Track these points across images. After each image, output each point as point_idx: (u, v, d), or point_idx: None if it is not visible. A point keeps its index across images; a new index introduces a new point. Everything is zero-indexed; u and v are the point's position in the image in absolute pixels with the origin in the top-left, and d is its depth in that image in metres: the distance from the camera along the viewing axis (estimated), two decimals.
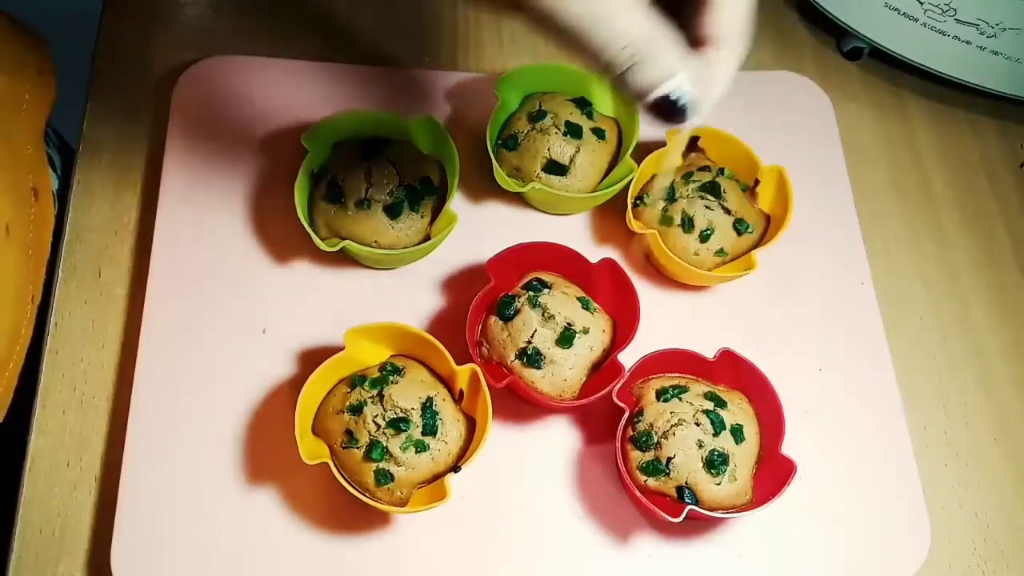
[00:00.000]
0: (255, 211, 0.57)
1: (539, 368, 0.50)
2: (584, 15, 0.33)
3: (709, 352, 0.51)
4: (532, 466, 0.51)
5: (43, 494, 0.50)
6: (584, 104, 0.57)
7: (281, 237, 0.56)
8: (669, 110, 0.36)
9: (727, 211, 0.55)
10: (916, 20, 0.61)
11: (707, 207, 0.55)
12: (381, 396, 0.48)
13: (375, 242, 0.53)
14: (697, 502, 0.47)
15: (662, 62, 0.34)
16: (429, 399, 0.48)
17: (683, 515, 0.46)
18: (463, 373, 0.49)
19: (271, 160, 0.58)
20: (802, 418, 0.53)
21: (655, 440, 0.48)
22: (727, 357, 0.50)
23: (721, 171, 0.57)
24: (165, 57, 0.63)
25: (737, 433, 0.49)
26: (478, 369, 0.48)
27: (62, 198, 0.59)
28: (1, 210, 0.51)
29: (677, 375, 0.52)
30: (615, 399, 0.49)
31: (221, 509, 0.49)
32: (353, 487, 0.47)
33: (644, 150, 0.59)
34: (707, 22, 0.36)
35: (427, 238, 0.54)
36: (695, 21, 0.36)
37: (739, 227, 0.55)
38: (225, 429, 0.51)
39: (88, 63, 0.63)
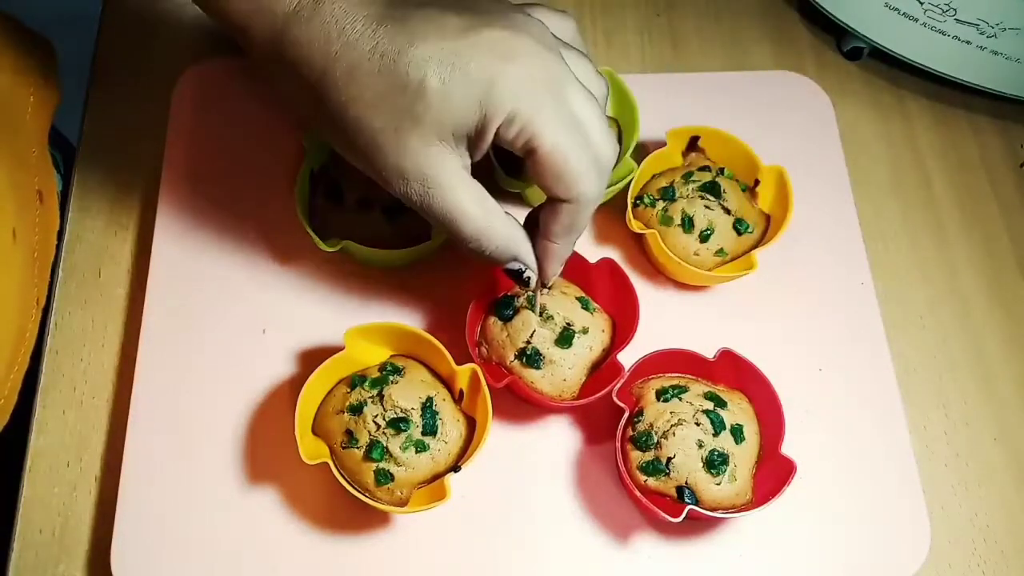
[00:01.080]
0: (255, 211, 0.57)
1: (538, 368, 0.50)
2: (471, 226, 0.42)
3: (709, 352, 0.51)
4: (532, 466, 0.51)
5: (43, 494, 0.50)
6: None
7: (281, 237, 0.56)
8: (515, 278, 0.46)
9: (727, 211, 0.55)
10: (916, 20, 0.61)
11: (707, 207, 0.55)
12: (381, 396, 0.48)
13: (375, 242, 0.53)
14: (697, 502, 0.47)
15: (518, 251, 0.45)
16: (429, 399, 0.48)
17: (683, 515, 0.46)
18: (463, 373, 0.49)
19: (271, 160, 0.58)
20: (802, 418, 0.53)
21: (655, 440, 0.48)
22: (727, 357, 0.50)
23: (721, 171, 0.57)
24: (165, 57, 0.63)
25: (737, 433, 0.49)
26: (478, 369, 0.48)
27: (63, 198, 0.59)
28: (6, 214, 0.51)
29: (677, 375, 0.52)
30: (615, 399, 0.49)
31: (221, 509, 0.49)
32: (353, 487, 0.47)
33: (644, 150, 0.59)
34: (547, 223, 0.44)
35: (427, 238, 0.54)
36: (542, 220, 0.44)
37: (739, 227, 0.55)
38: (225, 429, 0.51)
39: (88, 63, 0.63)
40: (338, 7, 0.40)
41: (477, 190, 0.43)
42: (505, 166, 0.55)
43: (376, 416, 0.47)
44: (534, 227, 0.45)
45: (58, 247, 0.57)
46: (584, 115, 0.41)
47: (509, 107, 0.40)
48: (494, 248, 0.44)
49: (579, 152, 0.41)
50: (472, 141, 0.41)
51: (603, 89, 0.45)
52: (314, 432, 0.49)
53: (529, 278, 0.46)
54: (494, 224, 0.43)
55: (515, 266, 0.45)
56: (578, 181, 0.41)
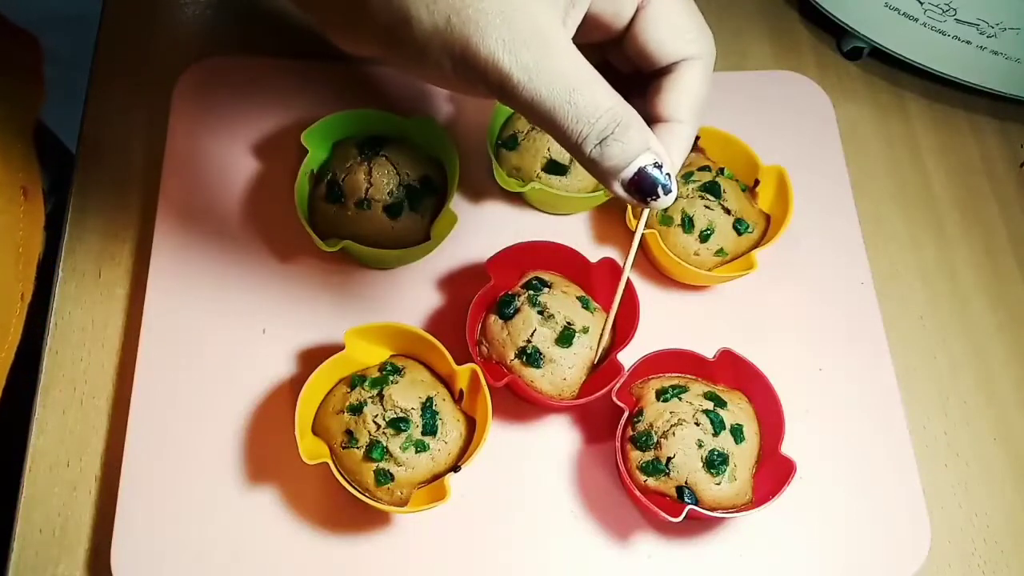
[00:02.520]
0: (255, 211, 0.57)
1: (539, 367, 0.50)
2: (556, 87, 0.32)
3: (709, 352, 0.51)
4: (532, 466, 0.51)
5: (43, 494, 0.50)
6: None
7: (281, 237, 0.56)
8: (648, 186, 0.34)
9: (727, 211, 0.55)
10: (916, 20, 0.61)
11: (707, 207, 0.55)
12: (381, 396, 0.48)
13: (375, 242, 0.53)
14: (697, 502, 0.47)
15: (635, 135, 0.34)
16: (429, 399, 0.48)
17: (683, 515, 0.46)
18: (463, 373, 0.49)
19: (271, 160, 0.58)
20: (802, 418, 0.53)
21: (655, 440, 0.48)
22: (727, 357, 0.50)
23: (721, 171, 0.57)
24: (165, 57, 0.63)
25: (737, 433, 0.49)
26: (478, 369, 0.48)
27: (61, 198, 0.59)
28: None
29: (677, 375, 0.52)
30: (614, 399, 0.49)
31: (221, 509, 0.49)
32: (353, 487, 0.47)
33: None
34: (669, 102, 0.36)
35: (427, 238, 0.54)
36: (655, 100, 0.36)
37: (739, 227, 0.55)
38: (225, 429, 0.51)
39: (88, 63, 0.63)
40: None
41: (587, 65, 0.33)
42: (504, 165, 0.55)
43: (376, 416, 0.47)
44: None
45: (58, 247, 0.57)
46: None
47: None
48: (630, 137, 0.33)
49: (691, 4, 0.35)
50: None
51: None
52: (314, 432, 0.49)
53: (659, 182, 0.34)
54: (624, 104, 0.33)
55: (650, 160, 0.34)
56: (706, 30, 0.35)
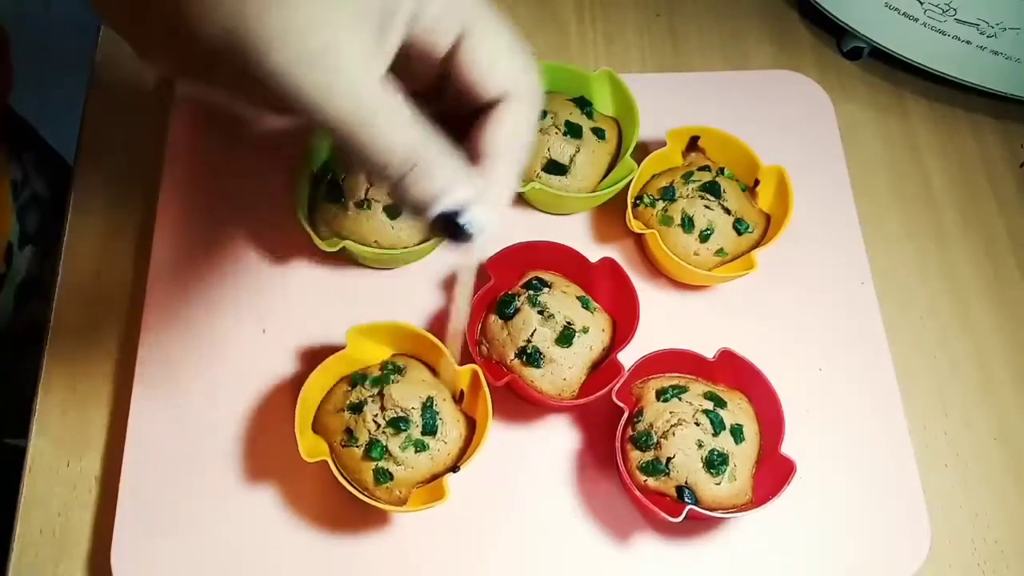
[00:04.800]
0: (255, 211, 0.57)
1: (539, 367, 0.50)
2: (351, 116, 0.31)
3: (709, 352, 0.51)
4: (532, 466, 0.51)
5: (43, 494, 0.50)
6: (584, 104, 0.57)
7: (281, 237, 0.56)
8: (453, 228, 0.33)
9: (727, 211, 0.55)
10: (916, 20, 0.61)
11: (707, 207, 0.55)
12: (381, 395, 0.48)
13: (375, 242, 0.53)
14: (697, 502, 0.47)
15: (439, 173, 0.32)
16: (429, 399, 0.48)
17: (683, 515, 0.46)
18: (464, 373, 0.49)
19: (271, 160, 0.58)
20: (802, 418, 0.53)
21: (655, 440, 0.48)
22: (727, 357, 0.50)
23: (721, 171, 0.57)
24: None
25: (737, 433, 0.49)
26: (479, 369, 0.48)
27: (61, 198, 0.59)
28: None
29: (677, 375, 0.52)
30: (614, 399, 0.49)
31: (221, 508, 0.49)
32: (352, 486, 0.47)
33: (644, 150, 0.59)
34: (484, 138, 0.34)
35: (427, 238, 0.54)
36: (474, 136, 0.34)
37: (739, 227, 0.55)
38: (225, 429, 0.51)
39: (88, 63, 0.63)
40: None
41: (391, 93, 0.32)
42: None
43: (376, 415, 0.47)
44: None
45: (58, 247, 0.57)
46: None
47: None
48: (433, 175, 0.32)
49: (516, 44, 0.34)
50: (383, 22, 0.31)
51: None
52: (314, 430, 0.49)
53: (467, 224, 0.33)
54: (427, 142, 0.32)
55: (449, 205, 0.32)
56: (529, 70, 0.34)
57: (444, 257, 0.56)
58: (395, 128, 0.31)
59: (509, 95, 0.34)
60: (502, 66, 0.34)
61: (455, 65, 0.34)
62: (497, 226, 0.33)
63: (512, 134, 0.34)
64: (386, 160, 0.31)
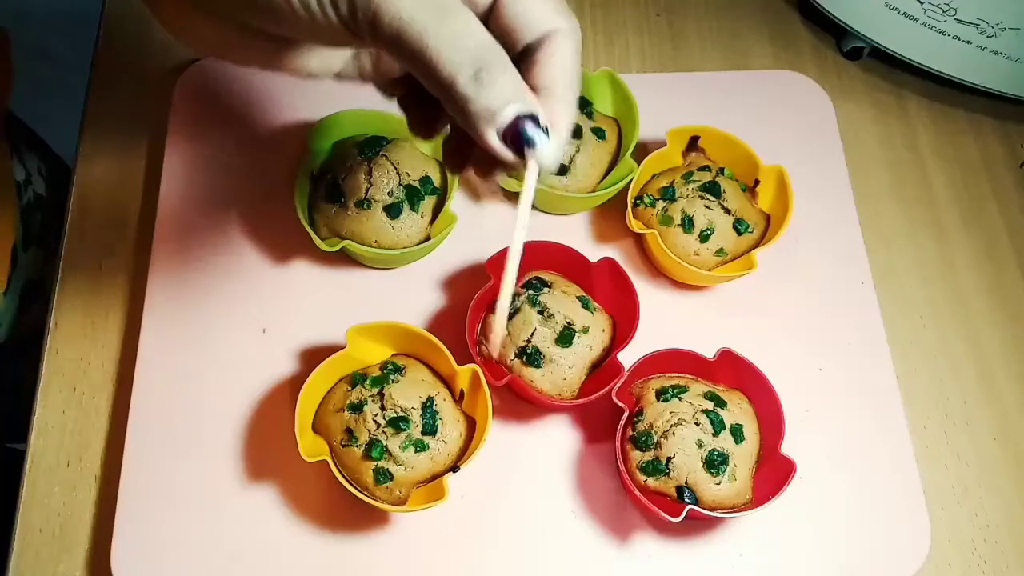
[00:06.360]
0: (255, 211, 0.57)
1: (539, 367, 0.50)
2: (426, 10, 0.30)
3: (709, 352, 0.51)
4: (532, 466, 0.51)
5: (43, 494, 0.50)
6: (584, 104, 0.57)
7: (281, 237, 0.56)
8: (521, 136, 0.32)
9: (727, 211, 0.55)
10: (916, 20, 0.61)
11: (707, 207, 0.55)
12: (381, 395, 0.48)
13: (375, 242, 0.53)
14: (697, 502, 0.47)
15: (509, 78, 0.31)
16: (430, 399, 0.48)
17: (683, 515, 0.46)
18: (464, 373, 0.49)
19: (271, 160, 0.58)
20: (802, 418, 0.53)
21: (655, 440, 0.48)
22: (727, 357, 0.50)
23: (721, 171, 0.57)
24: (165, 57, 0.63)
25: (737, 433, 0.49)
26: (479, 369, 0.48)
27: (60, 198, 0.59)
28: None
29: (677, 375, 0.52)
30: (614, 399, 0.49)
31: (221, 508, 0.49)
32: (352, 485, 0.47)
33: (644, 150, 0.59)
34: (542, 73, 0.34)
35: (427, 238, 0.54)
36: (528, 74, 0.34)
37: (739, 227, 0.55)
38: (225, 428, 0.51)
39: (88, 63, 0.63)
40: None
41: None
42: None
43: (376, 415, 0.47)
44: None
45: (59, 247, 0.57)
46: None
47: None
48: (506, 80, 0.31)
49: None
50: None
51: None
52: (314, 430, 0.49)
53: (534, 137, 0.32)
54: (500, 48, 0.32)
55: (527, 110, 0.32)
56: (567, 9, 0.34)
57: (444, 257, 0.56)
58: (471, 25, 0.31)
59: (553, 33, 0.34)
60: (545, 5, 0.34)
61: (498, 7, 0.34)
62: (559, 157, 0.33)
63: (568, 66, 0.34)
64: (459, 62, 0.30)
